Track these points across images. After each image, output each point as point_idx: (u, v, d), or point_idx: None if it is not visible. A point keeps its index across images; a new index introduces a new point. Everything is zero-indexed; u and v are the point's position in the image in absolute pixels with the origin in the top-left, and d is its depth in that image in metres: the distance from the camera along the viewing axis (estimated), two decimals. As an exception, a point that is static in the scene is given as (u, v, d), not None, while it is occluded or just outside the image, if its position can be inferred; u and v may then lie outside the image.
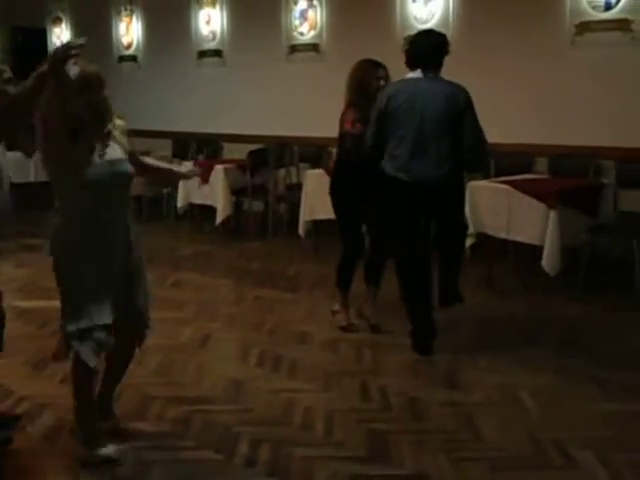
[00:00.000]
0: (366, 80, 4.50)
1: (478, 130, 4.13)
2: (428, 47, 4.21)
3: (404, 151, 4.16)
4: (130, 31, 9.88)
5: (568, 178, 5.85)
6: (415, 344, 4.30)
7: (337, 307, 4.78)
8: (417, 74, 4.20)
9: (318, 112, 7.72)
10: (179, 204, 7.67)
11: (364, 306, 4.79)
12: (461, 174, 4.30)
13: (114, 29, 10.06)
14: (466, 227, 4.66)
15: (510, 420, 3.44)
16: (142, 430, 3.34)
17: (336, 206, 4.71)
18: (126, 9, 9.85)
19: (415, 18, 7.08)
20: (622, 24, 5.91)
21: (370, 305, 4.76)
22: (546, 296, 5.27)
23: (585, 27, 6.10)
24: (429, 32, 4.43)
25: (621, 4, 5.89)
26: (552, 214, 5.08)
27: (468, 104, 4.12)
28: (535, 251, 5.33)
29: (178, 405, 3.61)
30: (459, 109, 4.09)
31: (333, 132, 7.66)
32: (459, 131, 4.10)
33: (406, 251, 4.31)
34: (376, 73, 4.50)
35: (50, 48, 10.46)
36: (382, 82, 4.45)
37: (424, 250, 4.34)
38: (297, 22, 8.03)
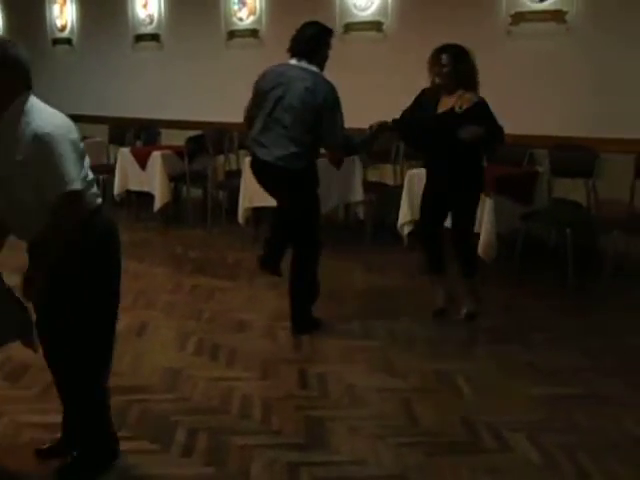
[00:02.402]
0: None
1: (336, 130, 4.24)
2: (303, 37, 4.33)
3: (255, 128, 4.37)
4: (64, 13, 9.64)
5: (503, 166, 5.93)
6: None
7: None
8: (293, 61, 4.33)
9: (257, 98, 7.68)
10: (116, 191, 7.54)
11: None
12: (308, 163, 4.34)
13: (48, 11, 9.80)
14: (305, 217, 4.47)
15: (446, 405, 3.50)
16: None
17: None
18: (60, -9, 9.61)
19: (354, 6, 7.08)
20: (556, 15, 6.01)
21: None
22: (482, 282, 5.34)
23: (520, 17, 6.18)
24: (311, 24, 4.46)
25: (555, -5, 6.00)
26: (488, 202, 5.15)
27: (329, 103, 4.20)
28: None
29: (114, 395, 3.47)
30: (317, 104, 4.18)
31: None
32: (317, 124, 4.22)
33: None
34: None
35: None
36: (444, 69, 4.41)
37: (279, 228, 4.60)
38: (236, 7, 7.95)
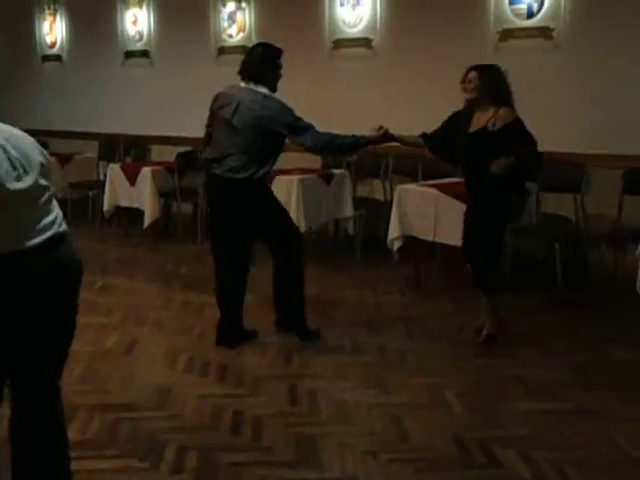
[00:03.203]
0: None
1: (306, 136, 4.30)
2: (251, 60, 4.44)
3: (211, 148, 4.48)
4: (54, 30, 9.65)
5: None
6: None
7: None
8: (242, 84, 4.43)
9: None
10: (105, 207, 7.53)
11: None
12: (257, 183, 4.37)
13: (37, 28, 9.81)
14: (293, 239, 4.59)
15: (436, 421, 3.50)
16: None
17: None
18: (50, 7, 9.62)
19: (343, 22, 7.12)
20: (544, 32, 6.07)
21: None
22: (472, 297, 5.36)
23: (508, 34, 6.24)
24: (260, 45, 4.56)
25: (543, 12, 6.05)
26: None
27: (284, 120, 4.27)
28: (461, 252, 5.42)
29: (103, 413, 3.54)
30: (264, 124, 4.26)
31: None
32: (265, 143, 4.31)
33: None
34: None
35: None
36: (470, 85, 4.44)
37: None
38: (226, 24, 7.99)
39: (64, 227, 2.43)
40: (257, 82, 4.36)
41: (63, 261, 2.40)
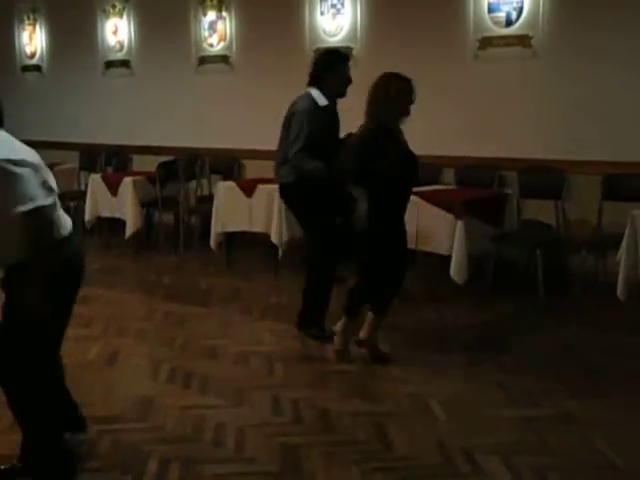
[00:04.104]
0: None
1: (289, 142, 4.45)
2: (311, 65, 4.58)
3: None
4: (34, 40, 9.61)
5: (474, 189, 6.00)
6: None
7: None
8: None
9: (229, 123, 7.71)
10: (87, 218, 7.50)
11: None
12: (298, 183, 4.52)
13: (17, 38, 9.77)
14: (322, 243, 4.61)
15: (420, 429, 3.50)
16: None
17: None
18: (29, 18, 9.58)
19: (324, 31, 7.15)
20: (523, 40, 6.12)
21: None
22: (454, 304, 5.39)
23: (487, 42, 6.28)
24: (321, 50, 4.75)
25: (521, 20, 6.10)
26: (459, 224, 5.21)
27: (293, 117, 4.45)
28: (443, 260, 5.45)
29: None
30: (287, 120, 4.50)
31: (244, 143, 7.69)
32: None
33: None
34: None
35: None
36: None
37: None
38: (206, 33, 7.99)
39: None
40: (314, 86, 4.50)
41: (80, 250, 3.03)
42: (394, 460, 3.21)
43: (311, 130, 4.37)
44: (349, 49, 6.95)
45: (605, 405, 3.73)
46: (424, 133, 6.49)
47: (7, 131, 2.78)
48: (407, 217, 5.41)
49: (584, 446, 3.29)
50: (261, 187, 6.23)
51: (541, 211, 5.92)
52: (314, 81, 4.50)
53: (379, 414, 3.67)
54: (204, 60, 8.06)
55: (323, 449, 3.29)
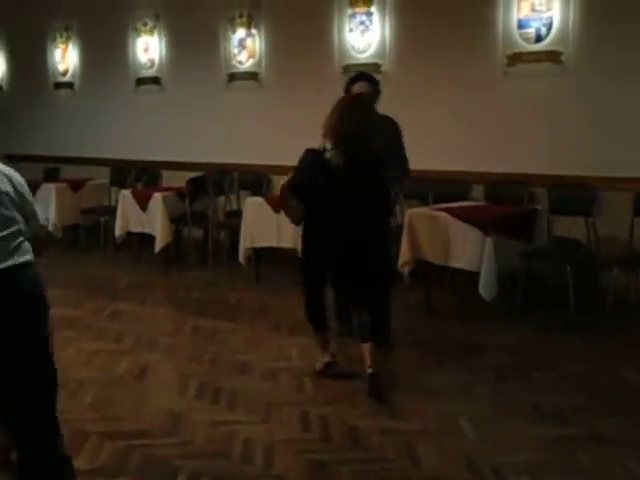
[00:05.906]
0: None
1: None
2: None
3: None
4: (66, 58, 9.76)
5: (503, 205, 5.97)
6: None
7: None
8: None
9: (257, 140, 7.76)
10: (117, 233, 7.57)
11: None
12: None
13: (49, 55, 9.92)
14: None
15: (448, 447, 3.47)
16: (76, 468, 3.24)
17: None
18: (62, 36, 9.74)
19: (352, 48, 7.18)
20: (552, 55, 6.09)
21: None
22: (483, 321, 5.34)
23: (517, 58, 6.26)
24: None
25: (551, 36, 6.07)
26: (488, 241, 5.17)
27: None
28: (472, 276, 5.41)
29: (115, 440, 3.54)
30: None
31: (273, 160, 7.71)
32: None
33: None
34: None
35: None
36: None
37: None
38: (236, 50, 8.06)
39: (26, 257, 2.42)
40: None
41: (22, 291, 2.37)
42: (422, 478, 3.19)
43: None
44: (378, 66, 7.00)
45: (638, 424, 3.67)
46: (453, 149, 6.52)
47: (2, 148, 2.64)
48: (436, 233, 5.46)
49: (616, 466, 3.24)
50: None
51: (572, 228, 5.87)
52: None
53: (408, 431, 3.64)
54: (233, 77, 8.12)
55: (351, 467, 3.28)
